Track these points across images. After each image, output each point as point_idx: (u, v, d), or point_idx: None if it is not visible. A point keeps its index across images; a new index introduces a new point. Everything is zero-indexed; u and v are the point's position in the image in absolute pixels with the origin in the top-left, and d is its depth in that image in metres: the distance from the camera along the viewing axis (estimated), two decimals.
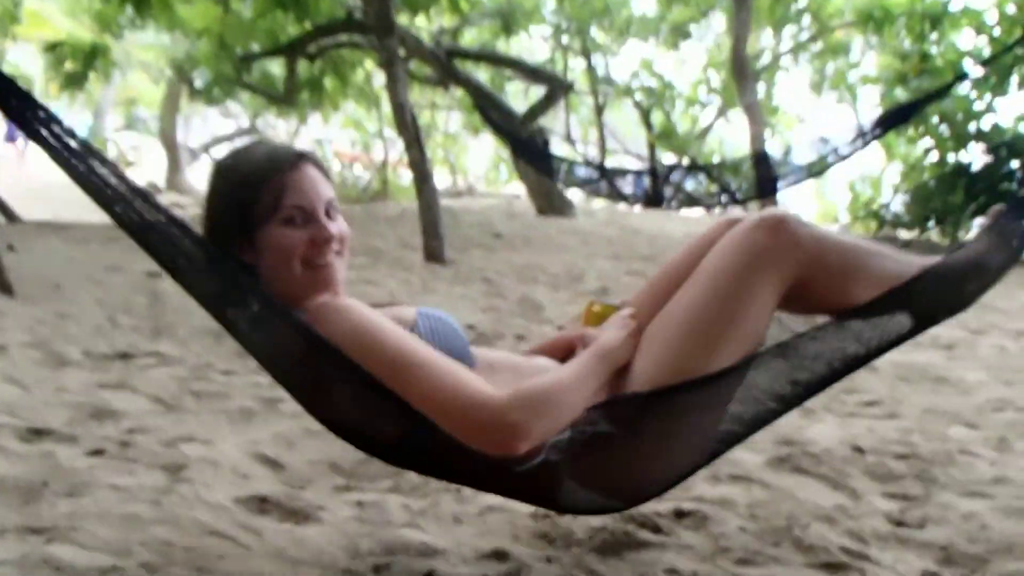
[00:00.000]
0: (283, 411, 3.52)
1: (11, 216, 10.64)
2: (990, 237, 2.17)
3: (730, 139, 22.46)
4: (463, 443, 1.77)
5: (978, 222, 11.73)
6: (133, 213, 1.88)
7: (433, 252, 7.86)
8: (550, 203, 12.42)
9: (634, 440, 1.90)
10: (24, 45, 15.07)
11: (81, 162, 1.86)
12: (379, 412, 1.83)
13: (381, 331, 1.86)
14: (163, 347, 4.62)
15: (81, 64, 12.44)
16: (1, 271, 5.40)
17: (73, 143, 1.86)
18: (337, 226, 2.02)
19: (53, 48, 12.43)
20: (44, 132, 1.86)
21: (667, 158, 17.93)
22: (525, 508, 2.61)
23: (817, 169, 3.91)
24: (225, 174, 2.04)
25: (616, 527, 2.47)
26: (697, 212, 16.08)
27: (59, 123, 1.84)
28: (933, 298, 2.06)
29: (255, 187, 1.96)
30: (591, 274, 7.84)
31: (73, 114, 34.08)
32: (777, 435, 3.39)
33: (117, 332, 4.93)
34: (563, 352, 2.24)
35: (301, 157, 2.04)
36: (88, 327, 4.97)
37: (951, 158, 12.20)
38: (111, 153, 27.01)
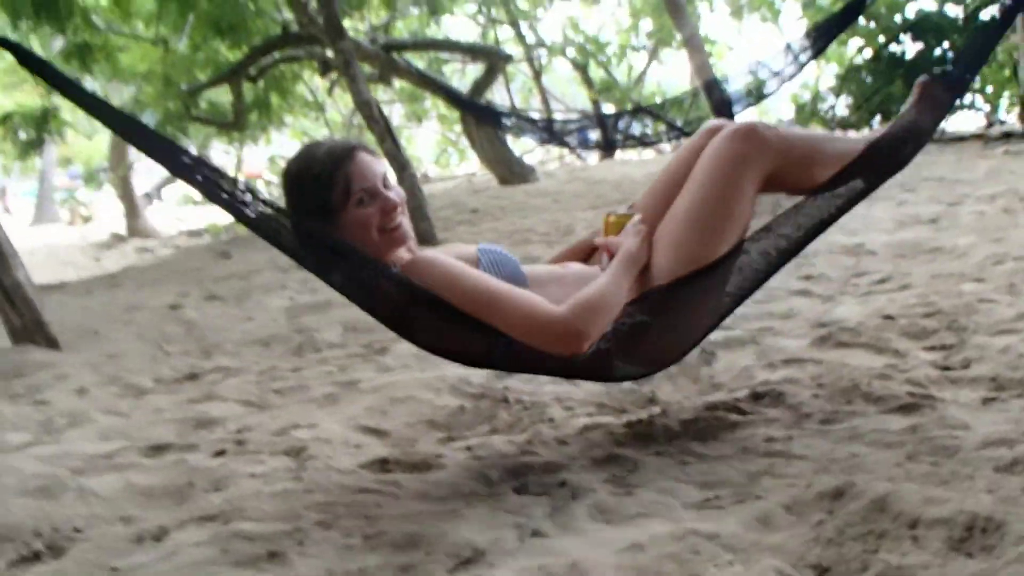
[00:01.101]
0: (362, 389, 3.74)
1: None
2: (919, 105, 2.70)
3: (666, 80, 22.76)
4: (540, 349, 2.30)
5: None
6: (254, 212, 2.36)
7: (424, 234, 8.09)
8: (511, 172, 12.66)
9: (663, 321, 2.45)
10: None
11: (219, 187, 2.36)
12: (470, 336, 2.35)
13: (464, 275, 2.34)
14: (222, 361, 4.80)
15: (35, 129, 12.49)
16: (44, 327, 5.60)
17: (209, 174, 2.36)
18: (396, 192, 2.51)
19: (4, 120, 12.43)
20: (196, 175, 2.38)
21: (610, 109, 18.17)
22: (618, 420, 2.93)
23: (759, 93, 4.12)
24: (297, 178, 2.48)
25: (706, 415, 2.79)
26: (649, 153, 16.44)
27: (205, 164, 2.39)
28: (880, 164, 2.60)
29: (327, 183, 2.42)
30: (578, 225, 8.11)
31: (11, 184, 33.57)
32: (810, 321, 3.73)
33: (172, 359, 5.08)
34: (586, 254, 2.88)
35: (354, 148, 2.51)
36: (143, 360, 5.12)
37: (884, 51, 12.55)
38: (65, 215, 26.91)
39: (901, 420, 2.54)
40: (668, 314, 2.46)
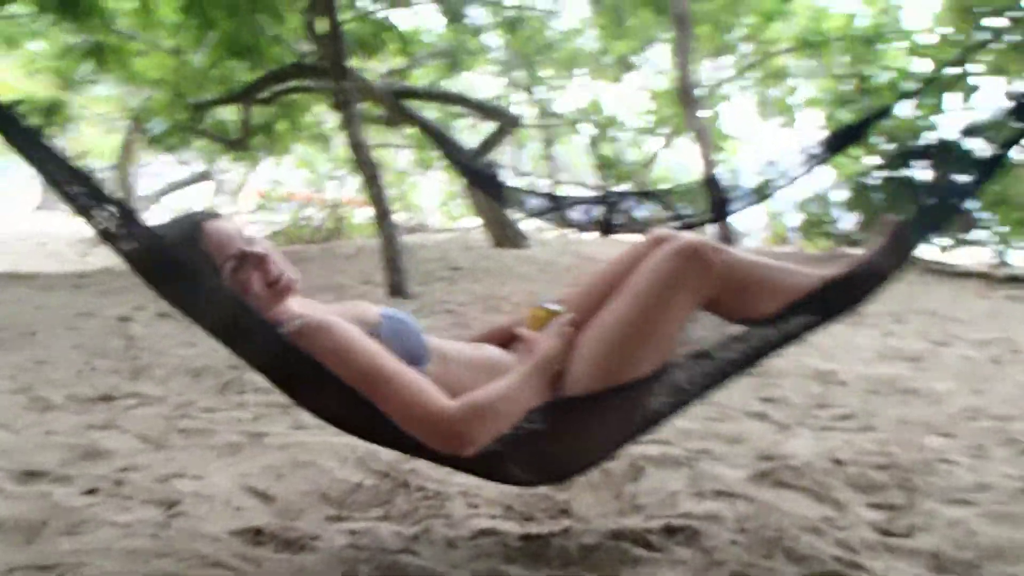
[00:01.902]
0: (269, 444, 3.54)
1: None
2: (885, 246, 2.44)
3: (677, 167, 22.73)
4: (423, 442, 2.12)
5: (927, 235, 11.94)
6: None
7: (396, 286, 7.90)
8: (505, 235, 12.50)
9: (565, 433, 2.22)
10: None
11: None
12: (356, 410, 2.12)
13: (355, 349, 2.16)
14: (143, 387, 4.64)
15: (41, 119, 12.43)
16: None
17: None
18: (260, 244, 2.35)
19: (10, 107, 12.35)
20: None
21: (615, 187, 18.11)
22: (516, 531, 2.68)
23: (765, 192, 4.00)
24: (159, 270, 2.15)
25: (609, 544, 2.51)
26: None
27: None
28: (830, 304, 2.35)
29: (191, 269, 2.11)
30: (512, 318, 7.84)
31: (23, 171, 33.69)
32: (756, 450, 3.46)
33: (96, 375, 4.96)
34: (504, 339, 2.65)
35: (198, 223, 2.33)
36: (68, 372, 5.01)
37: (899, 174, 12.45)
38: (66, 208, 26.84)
39: None
40: (571, 427, 2.24)
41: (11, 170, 35.83)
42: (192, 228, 2.29)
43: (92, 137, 23.71)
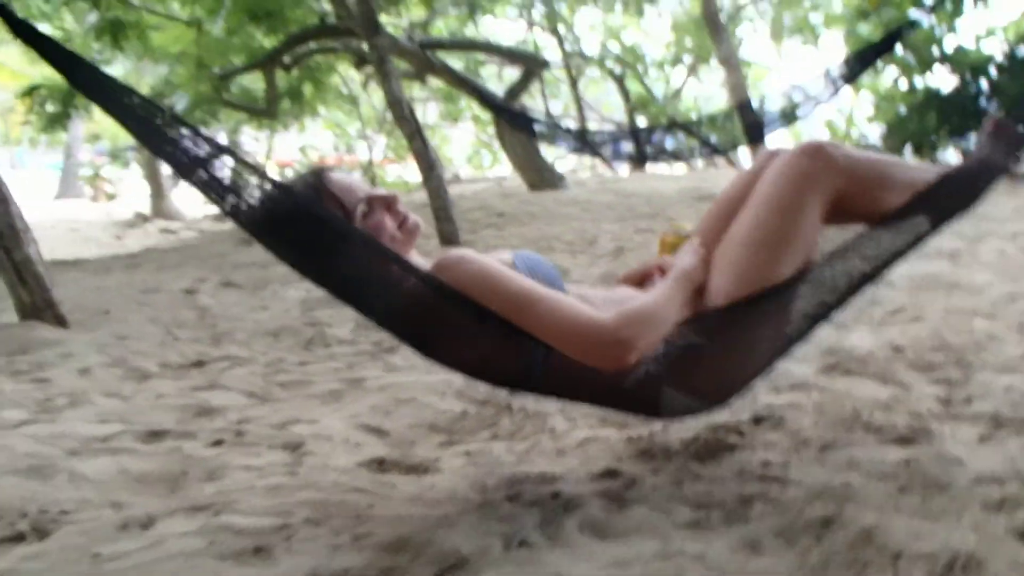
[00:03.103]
0: (368, 387, 3.76)
1: None
2: (992, 141, 2.55)
3: (703, 96, 22.72)
4: (581, 361, 2.08)
5: (954, 142, 12.02)
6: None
7: (448, 236, 8.08)
8: (541, 178, 12.64)
9: (719, 347, 2.23)
10: None
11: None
12: (503, 346, 2.14)
13: (500, 274, 2.14)
14: (230, 350, 4.83)
15: (61, 104, 12.52)
16: (54, 305, 5.63)
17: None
18: (381, 190, 2.37)
19: (30, 92, 12.46)
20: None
21: (645, 123, 18.15)
22: (619, 435, 2.92)
23: (792, 116, 4.11)
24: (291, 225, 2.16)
25: (705, 436, 2.77)
26: (680, 168, 16.31)
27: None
28: (951, 197, 2.40)
29: (321, 218, 2.14)
30: (604, 237, 8.04)
31: (39, 156, 33.65)
32: (820, 347, 3.69)
33: (181, 344, 5.12)
34: (641, 280, 2.59)
35: (320, 176, 2.36)
36: (152, 343, 5.16)
37: (919, 84, 12.46)
38: (89, 191, 26.96)
39: (898, 452, 2.52)
40: (725, 339, 2.25)
41: (27, 159, 35.96)
42: (317, 179, 2.32)
43: (105, 118, 23.75)
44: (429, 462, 2.82)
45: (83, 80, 2.22)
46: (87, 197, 27.37)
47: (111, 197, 24.93)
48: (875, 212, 2.36)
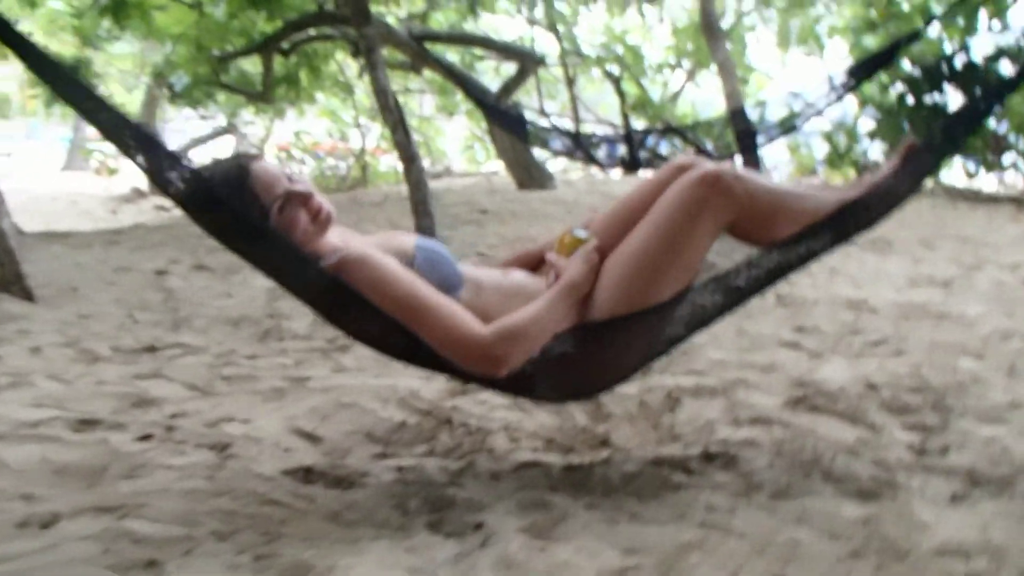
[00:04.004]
0: (312, 387, 3.63)
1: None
2: (901, 169, 2.51)
3: (701, 102, 22.53)
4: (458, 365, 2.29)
5: (957, 160, 11.86)
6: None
7: (425, 230, 7.90)
8: (530, 176, 12.49)
9: (592, 355, 2.38)
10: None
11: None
12: (395, 335, 2.30)
13: (392, 279, 2.30)
14: (185, 338, 4.71)
15: None
16: (22, 279, 5.54)
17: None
18: (301, 182, 2.46)
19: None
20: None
21: (641, 125, 17.96)
22: (559, 462, 2.76)
23: (790, 124, 4.00)
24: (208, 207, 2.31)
25: (649, 472, 2.58)
26: None
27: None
28: (845, 226, 2.42)
29: (240, 208, 2.31)
30: (544, 240, 7.82)
31: (51, 128, 33.98)
32: (790, 378, 3.51)
33: (139, 327, 5.04)
34: (535, 262, 2.80)
35: (245, 164, 2.46)
36: (111, 324, 5.09)
37: (927, 100, 12.27)
38: (93, 163, 27.04)
39: (856, 508, 2.30)
40: (597, 350, 2.39)
41: (41, 131, 36.11)
42: (239, 171, 2.40)
43: (115, 94, 23.76)
44: (357, 476, 2.70)
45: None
46: (91, 170, 27.41)
47: (113, 172, 24.94)
48: (765, 239, 2.45)
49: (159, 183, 2.20)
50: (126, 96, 22.94)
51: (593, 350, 2.38)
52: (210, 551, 2.11)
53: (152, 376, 3.87)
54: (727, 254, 2.50)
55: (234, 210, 2.23)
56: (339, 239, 2.51)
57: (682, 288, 2.39)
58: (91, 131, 28.02)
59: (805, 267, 2.44)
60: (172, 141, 23.43)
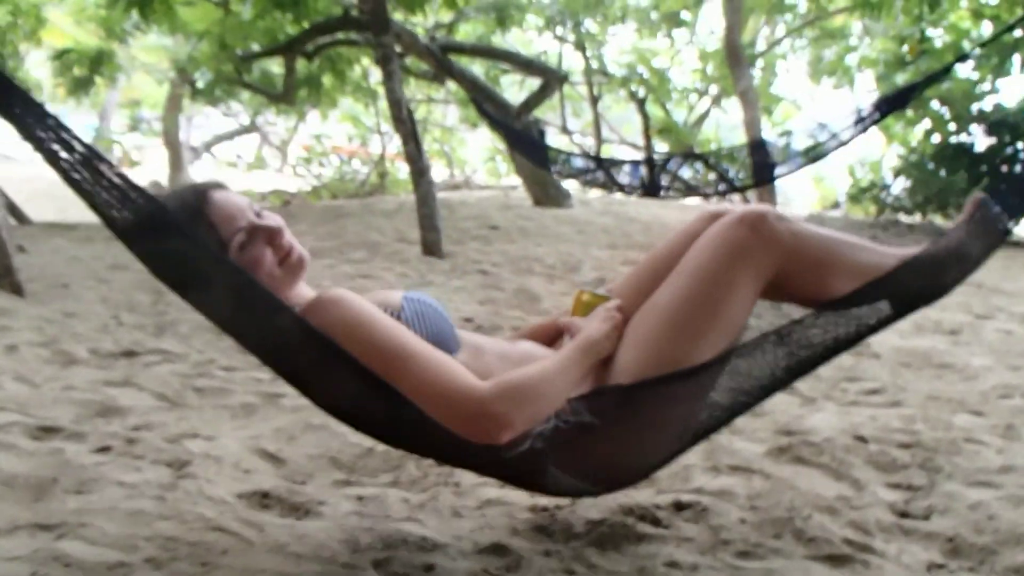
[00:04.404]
0: (283, 406, 3.54)
1: (21, 218, 10.88)
2: (970, 226, 2.20)
3: (726, 127, 22.49)
4: (450, 430, 1.85)
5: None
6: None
7: (430, 245, 7.86)
8: (546, 194, 12.41)
9: (616, 430, 2.00)
10: (33, 51, 15.19)
11: (82, 168, 1.79)
12: (372, 398, 1.87)
13: (373, 322, 1.94)
14: (166, 344, 4.65)
15: (87, 69, 12.56)
16: (12, 272, 5.49)
17: (77, 148, 1.78)
18: (271, 217, 2.13)
19: (61, 55, 12.56)
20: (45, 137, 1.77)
21: (664, 149, 17.92)
22: (524, 501, 2.65)
23: (814, 154, 3.93)
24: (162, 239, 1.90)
25: (615, 520, 2.47)
26: (694, 200, 16.05)
27: (65, 129, 1.76)
28: (912, 288, 2.13)
29: (196, 242, 1.91)
30: (587, 264, 7.76)
31: (79, 116, 34.25)
32: (777, 424, 3.40)
33: (122, 330, 4.99)
34: (549, 336, 2.42)
35: (205, 192, 2.12)
36: (94, 325, 5.04)
37: (953, 140, 12.17)
38: (116, 154, 27.17)
39: (825, 574, 2.19)
40: (621, 422, 2.01)
41: (70, 119, 36.24)
42: (197, 198, 2.09)
43: (144, 86, 23.90)
44: (313, 504, 2.60)
45: None
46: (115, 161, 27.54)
47: (133, 164, 25.02)
48: (818, 296, 2.12)
49: (100, 211, 1.82)
50: (154, 88, 23.00)
51: (617, 422, 2.00)
52: None
53: (123, 384, 3.79)
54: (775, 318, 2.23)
55: (187, 242, 1.83)
56: (310, 292, 2.18)
57: (722, 349, 2.05)
58: (117, 122, 28.25)
59: (861, 340, 2.13)
60: (196, 136, 23.55)
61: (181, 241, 1.83)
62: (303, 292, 2.17)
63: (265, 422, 3.34)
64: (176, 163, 21.67)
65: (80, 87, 12.82)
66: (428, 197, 7.69)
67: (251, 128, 24.24)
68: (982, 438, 3.31)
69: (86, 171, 1.78)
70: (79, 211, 10.03)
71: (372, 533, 2.37)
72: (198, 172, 22.24)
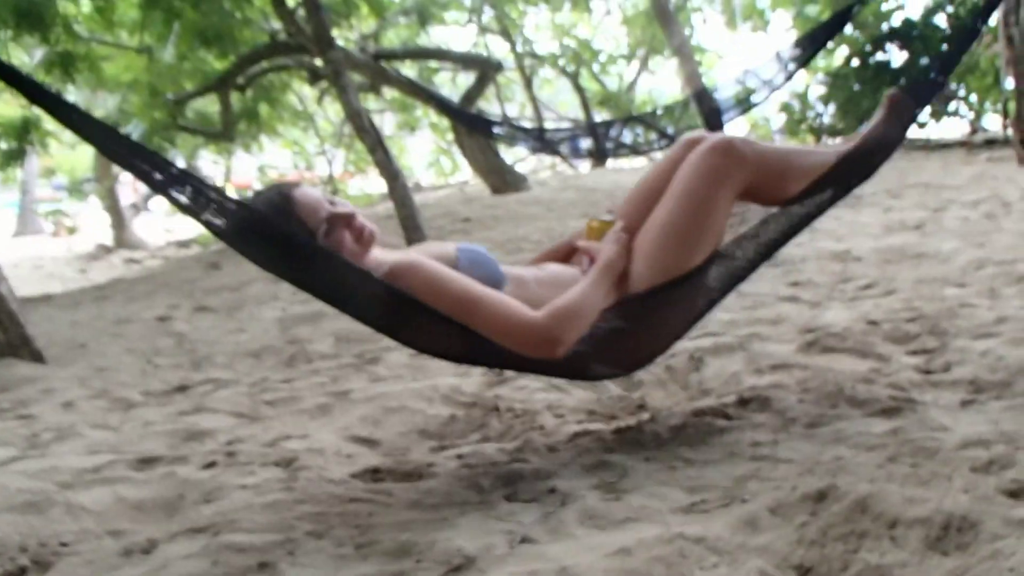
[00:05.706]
0: (355, 399, 3.75)
1: None
2: (888, 118, 2.80)
3: (656, 89, 22.83)
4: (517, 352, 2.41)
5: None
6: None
7: (416, 243, 8.07)
8: (503, 180, 12.67)
9: (638, 327, 2.57)
10: None
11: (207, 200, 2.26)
12: (453, 337, 2.41)
13: (445, 280, 2.44)
14: (212, 373, 4.80)
15: (16, 140, 12.30)
16: (30, 341, 5.58)
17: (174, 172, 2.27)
18: (342, 203, 2.59)
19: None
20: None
21: (601, 118, 18.20)
22: (608, 427, 2.97)
23: (750, 101, 4.17)
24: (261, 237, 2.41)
25: (692, 421, 2.84)
26: (642, 161, 16.40)
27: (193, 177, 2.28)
28: (849, 176, 2.71)
29: (289, 235, 2.38)
30: (570, 233, 7.97)
31: (2, 194, 33.12)
32: (798, 326, 3.77)
33: (162, 371, 5.08)
34: (566, 255, 2.98)
35: (287, 192, 2.56)
36: (133, 373, 5.12)
37: (871, 60, 12.61)
38: (49, 227, 26.67)
39: (883, 423, 2.58)
40: (644, 320, 2.57)
41: None
42: (282, 199, 2.51)
43: (58, 151, 23.49)
44: (423, 467, 2.83)
45: (65, 115, 2.33)
46: (47, 233, 26.99)
47: (72, 231, 24.64)
48: (780, 197, 2.67)
49: (202, 222, 2.26)
50: (70, 152, 22.69)
51: (640, 320, 2.56)
52: (312, 548, 2.21)
53: (195, 411, 3.92)
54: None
55: (282, 238, 2.32)
56: (382, 255, 2.62)
57: (712, 251, 2.61)
58: (40, 193, 27.75)
59: (814, 220, 2.68)
60: (126, 196, 22.94)
61: (278, 237, 2.31)
62: (378, 256, 2.60)
63: (344, 415, 3.56)
64: (119, 222, 21.33)
65: (10, 159, 12.13)
66: (405, 199, 7.92)
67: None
68: (972, 302, 3.80)
69: (188, 189, 2.24)
70: (35, 286, 10.08)
71: (488, 476, 2.63)
72: (142, 226, 22.08)
